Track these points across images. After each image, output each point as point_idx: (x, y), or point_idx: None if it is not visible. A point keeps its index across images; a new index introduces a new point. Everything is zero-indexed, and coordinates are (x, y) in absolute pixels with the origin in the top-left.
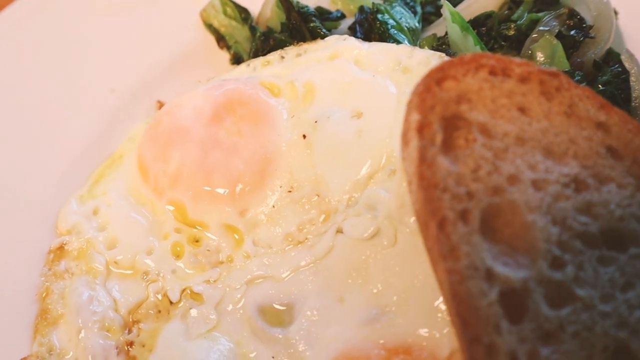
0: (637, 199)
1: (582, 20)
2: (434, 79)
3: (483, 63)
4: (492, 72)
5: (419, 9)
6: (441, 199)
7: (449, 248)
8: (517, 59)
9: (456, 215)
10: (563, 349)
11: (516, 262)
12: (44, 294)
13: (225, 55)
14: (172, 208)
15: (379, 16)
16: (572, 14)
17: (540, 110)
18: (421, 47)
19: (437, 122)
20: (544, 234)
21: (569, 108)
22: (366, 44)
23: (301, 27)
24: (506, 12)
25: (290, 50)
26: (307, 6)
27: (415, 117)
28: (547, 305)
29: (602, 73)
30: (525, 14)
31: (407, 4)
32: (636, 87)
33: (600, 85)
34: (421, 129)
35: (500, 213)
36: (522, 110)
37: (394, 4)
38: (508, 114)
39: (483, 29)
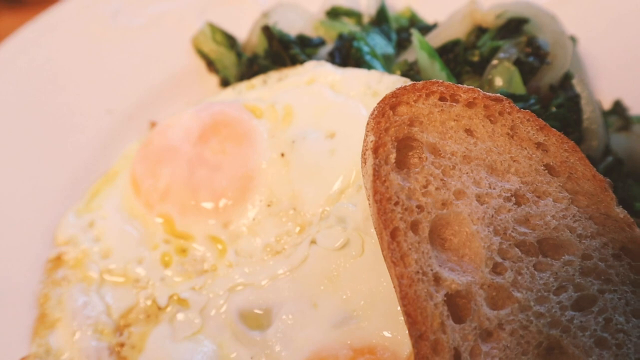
0: (571, 211)
1: (539, 47)
2: (389, 104)
3: (433, 90)
4: (442, 98)
5: (394, 35)
6: (394, 211)
7: (400, 255)
8: (464, 86)
9: (407, 226)
10: (501, 345)
11: (461, 268)
12: (43, 300)
13: (214, 79)
14: (161, 221)
15: (355, 43)
16: (530, 42)
17: (485, 132)
18: (393, 72)
19: (390, 142)
20: (486, 243)
21: (511, 130)
22: (340, 70)
23: (282, 54)
24: (472, 39)
25: (272, 75)
26: (288, 34)
27: (371, 138)
28: (488, 306)
29: (557, 96)
30: (488, 42)
31: (383, 31)
32: (587, 109)
33: (554, 108)
34: (376, 149)
35: (448, 224)
36: (468, 131)
37: (370, 32)
38: (456, 135)
39: (450, 55)
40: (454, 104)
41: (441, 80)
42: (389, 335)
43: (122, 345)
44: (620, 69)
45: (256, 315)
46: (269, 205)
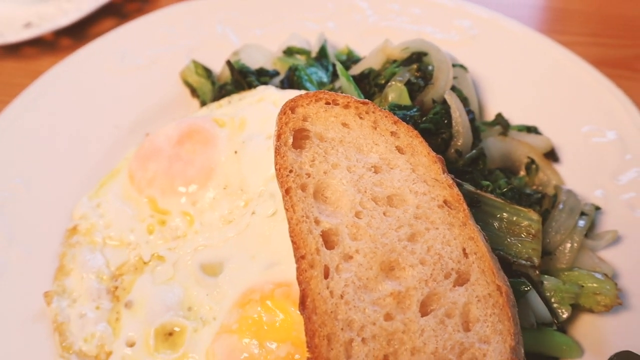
0: (411, 177)
1: (425, 72)
2: (289, 106)
3: (320, 97)
4: (326, 102)
5: (330, 67)
6: (288, 176)
7: (291, 204)
8: (341, 94)
9: (297, 186)
10: (356, 263)
11: (334, 214)
12: (62, 256)
13: (195, 102)
14: (147, 201)
15: (297, 73)
16: (420, 68)
17: (355, 125)
18: None
19: (289, 131)
20: (352, 198)
21: (374, 123)
22: (281, 91)
23: (241, 81)
24: (385, 68)
25: (235, 97)
26: (248, 67)
27: (275, 128)
28: (350, 239)
29: (435, 107)
30: (390, 69)
31: (322, 64)
32: (454, 116)
33: (432, 115)
34: (279, 135)
35: (327, 186)
36: (344, 124)
37: (312, 65)
38: (335, 127)
39: (367, 79)
40: (335, 106)
41: (326, 91)
42: None
43: (116, 287)
44: (501, 91)
45: (212, 266)
46: (224, 188)
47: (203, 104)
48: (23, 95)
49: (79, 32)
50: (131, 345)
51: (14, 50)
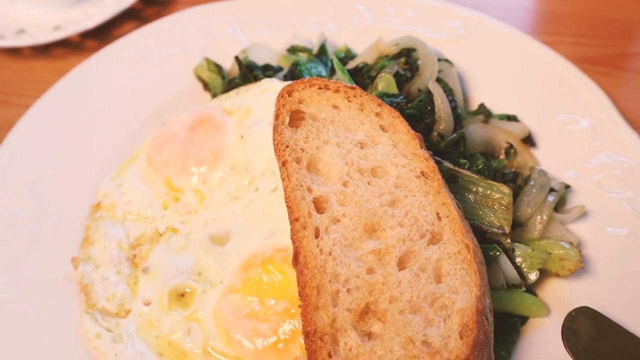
0: (393, 151)
1: (412, 65)
2: (286, 91)
3: (314, 83)
4: (319, 87)
5: (329, 63)
6: (285, 150)
7: (286, 175)
8: (332, 80)
9: (292, 159)
10: (343, 225)
11: (324, 183)
12: (87, 229)
13: (207, 95)
14: (163, 180)
15: (298, 67)
16: (407, 61)
17: (344, 107)
18: None
19: (286, 112)
20: (340, 170)
21: (361, 105)
22: (283, 83)
23: (248, 75)
24: (378, 62)
25: (242, 89)
26: (255, 62)
27: (274, 109)
28: (338, 205)
29: (420, 95)
30: (381, 62)
31: (321, 60)
32: (437, 103)
33: (417, 102)
34: (277, 116)
35: (319, 160)
36: (334, 107)
37: (313, 61)
38: (326, 109)
39: (361, 72)
40: (327, 90)
41: (319, 77)
42: None
43: (134, 256)
44: (485, 84)
45: (220, 236)
46: (231, 168)
47: (214, 96)
48: (52, 90)
49: (103, 34)
50: (147, 304)
51: (45, 50)
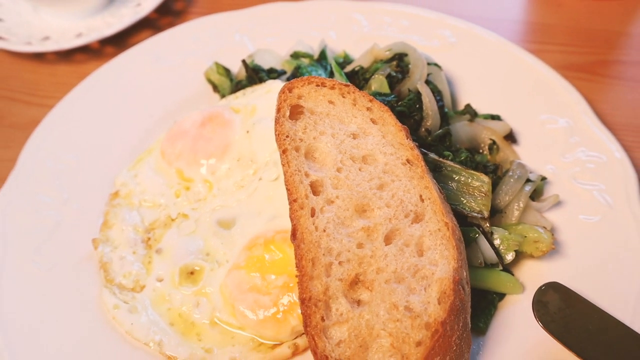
0: (382, 141)
1: (404, 68)
2: (287, 87)
3: (312, 80)
4: (317, 85)
5: (329, 67)
6: (285, 140)
7: (286, 161)
8: (328, 79)
9: (292, 148)
10: (336, 207)
11: (320, 169)
12: (106, 214)
13: (217, 96)
14: (175, 171)
15: (299, 70)
16: (398, 64)
17: (339, 102)
18: None
19: (286, 106)
20: (334, 157)
21: (354, 101)
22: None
23: (254, 77)
24: (372, 66)
25: (248, 89)
26: (259, 65)
27: (276, 104)
28: (332, 188)
29: (410, 94)
30: (375, 66)
31: (321, 65)
32: (425, 101)
33: (406, 100)
34: (278, 109)
35: (316, 148)
36: (330, 102)
37: (313, 65)
38: (323, 104)
39: (357, 75)
40: (323, 87)
41: (316, 76)
42: None
43: (149, 238)
44: (472, 86)
45: (226, 221)
46: (238, 160)
47: (223, 97)
48: (74, 91)
49: (121, 41)
50: (160, 280)
51: (67, 56)
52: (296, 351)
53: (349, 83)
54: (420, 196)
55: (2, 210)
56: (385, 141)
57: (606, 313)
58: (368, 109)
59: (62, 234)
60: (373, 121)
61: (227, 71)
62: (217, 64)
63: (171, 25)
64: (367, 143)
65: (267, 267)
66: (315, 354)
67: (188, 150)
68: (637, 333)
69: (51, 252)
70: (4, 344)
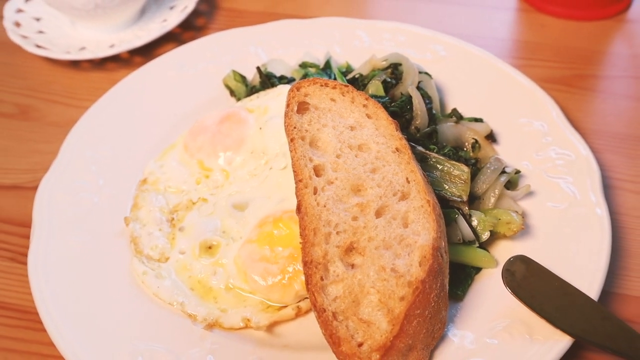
0: (375, 133)
1: (398, 75)
2: (295, 87)
3: (317, 81)
4: (321, 85)
5: (333, 75)
6: (292, 131)
7: (294, 148)
8: (331, 80)
9: (298, 137)
10: (335, 187)
11: (322, 155)
12: (136, 197)
13: (233, 100)
14: (196, 162)
15: (306, 78)
16: (393, 72)
17: (340, 100)
18: None
19: (294, 102)
20: (334, 146)
21: (352, 99)
22: None
23: (267, 83)
24: (371, 73)
25: (261, 93)
26: (271, 72)
27: (286, 100)
28: (332, 171)
29: (402, 96)
30: (373, 73)
31: (326, 73)
32: (414, 102)
33: (399, 102)
34: (287, 104)
35: (319, 138)
36: (332, 99)
37: (319, 73)
38: (325, 101)
39: (356, 82)
40: (326, 87)
41: (320, 77)
42: None
43: (173, 218)
44: (459, 94)
45: (241, 204)
46: (251, 153)
47: (238, 100)
48: (106, 95)
49: (148, 52)
50: (182, 253)
51: (100, 64)
52: (299, 312)
53: (348, 84)
54: (407, 178)
55: (47, 192)
56: (378, 133)
57: (566, 282)
58: (364, 105)
59: (98, 213)
60: (368, 116)
61: (243, 78)
62: (234, 72)
63: (193, 38)
64: (362, 134)
65: (275, 241)
66: (315, 307)
67: (208, 144)
68: (591, 298)
69: (89, 227)
70: (51, 303)
